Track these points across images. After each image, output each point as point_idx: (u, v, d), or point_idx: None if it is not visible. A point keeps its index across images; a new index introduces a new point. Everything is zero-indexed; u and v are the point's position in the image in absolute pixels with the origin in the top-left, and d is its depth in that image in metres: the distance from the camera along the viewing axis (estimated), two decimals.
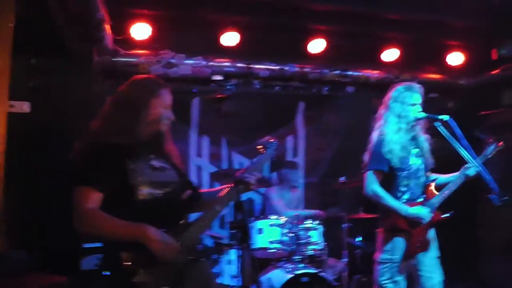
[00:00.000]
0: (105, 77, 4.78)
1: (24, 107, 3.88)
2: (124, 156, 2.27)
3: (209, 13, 4.97)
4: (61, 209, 3.62)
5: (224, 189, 2.52)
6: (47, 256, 3.46)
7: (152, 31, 4.87)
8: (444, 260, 3.68)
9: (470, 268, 6.05)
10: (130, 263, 2.16)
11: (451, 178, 3.61)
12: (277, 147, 2.78)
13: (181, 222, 2.35)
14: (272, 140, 2.75)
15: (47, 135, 3.91)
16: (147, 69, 4.88)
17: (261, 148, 2.66)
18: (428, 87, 5.97)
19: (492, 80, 6.04)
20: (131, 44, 4.85)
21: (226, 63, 5.31)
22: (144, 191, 2.26)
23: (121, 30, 4.73)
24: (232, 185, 2.48)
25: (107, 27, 4.14)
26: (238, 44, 5.19)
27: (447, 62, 5.97)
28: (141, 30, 4.83)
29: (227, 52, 5.25)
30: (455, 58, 5.95)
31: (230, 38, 5.15)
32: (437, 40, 5.79)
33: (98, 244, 3.53)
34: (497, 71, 5.87)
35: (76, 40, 3.90)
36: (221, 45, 5.17)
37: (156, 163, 2.39)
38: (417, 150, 3.61)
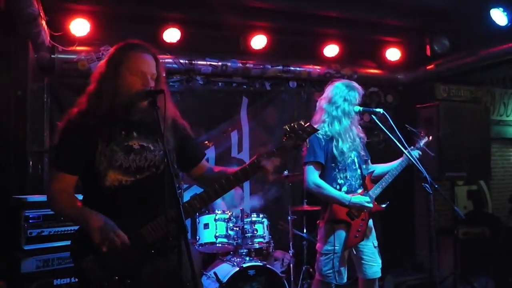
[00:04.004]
0: (42, 73, 4.64)
1: None
2: (96, 138, 2.18)
3: (149, 9, 4.91)
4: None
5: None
6: None
7: (91, 27, 4.76)
8: (385, 247, 3.84)
9: (408, 253, 6.35)
10: (80, 247, 2.18)
11: (390, 167, 3.76)
12: (308, 134, 2.31)
13: (154, 213, 2.19)
14: (301, 125, 2.29)
15: None
16: (86, 66, 4.77)
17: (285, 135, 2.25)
18: (368, 82, 6.27)
19: (427, 75, 6.32)
20: (69, 40, 4.72)
21: (168, 59, 5.26)
22: (112, 178, 2.19)
23: (59, 26, 4.60)
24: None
25: (43, 23, 4.01)
26: (179, 41, 5.17)
27: (385, 58, 6.19)
28: (80, 26, 4.70)
29: (169, 48, 5.20)
30: (393, 54, 6.17)
31: (171, 35, 5.12)
32: (374, 37, 5.99)
33: (40, 245, 3.47)
34: (431, 66, 6.14)
35: (5, 36, 3.75)
36: (163, 41, 5.12)
37: (136, 143, 2.24)
38: (350, 143, 3.74)
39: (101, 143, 2.20)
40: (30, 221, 3.45)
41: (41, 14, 3.77)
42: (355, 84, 3.82)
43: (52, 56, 4.68)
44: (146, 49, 2.31)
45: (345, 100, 3.71)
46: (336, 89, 3.76)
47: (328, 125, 3.68)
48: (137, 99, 2.20)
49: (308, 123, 2.26)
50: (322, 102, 3.81)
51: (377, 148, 4.82)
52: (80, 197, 2.30)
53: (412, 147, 3.76)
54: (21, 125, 3.89)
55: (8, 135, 3.80)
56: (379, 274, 3.74)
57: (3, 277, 3.07)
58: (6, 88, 3.92)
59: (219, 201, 5.16)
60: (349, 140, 3.67)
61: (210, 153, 5.70)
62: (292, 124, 2.23)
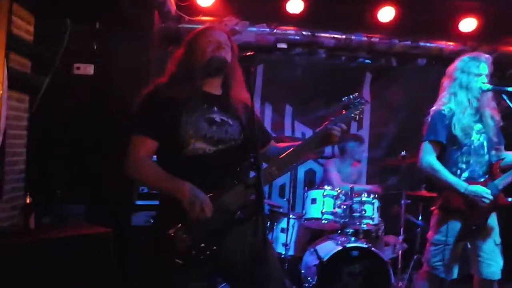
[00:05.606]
0: (167, 43, 4.86)
1: (88, 69, 4.07)
2: (180, 108, 2.28)
3: None
4: (117, 168, 3.85)
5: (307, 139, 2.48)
6: (102, 211, 3.67)
7: None
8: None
9: None
10: (170, 217, 2.21)
11: None
12: (364, 105, 2.58)
13: (234, 181, 2.25)
14: (358, 97, 2.56)
15: (108, 96, 4.07)
16: None
17: (344, 106, 2.52)
18: (510, 61, 5.61)
19: None
20: (195, 10, 4.88)
21: (290, 31, 5.21)
22: (196, 146, 2.26)
23: None
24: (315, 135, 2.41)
25: None
26: (303, 12, 5.06)
27: None
28: None
29: (292, 20, 5.14)
30: None
31: (295, 6, 5.04)
32: None
33: (150, 202, 3.71)
34: None
35: (135, 6, 3.99)
36: (286, 12, 5.07)
37: (217, 116, 2.34)
38: (480, 126, 3.36)
39: (185, 113, 2.28)
40: None
41: None
42: (480, 54, 3.42)
43: (179, 25, 4.88)
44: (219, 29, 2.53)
45: (462, 71, 3.36)
46: (457, 64, 3.42)
47: (448, 102, 3.36)
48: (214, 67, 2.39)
49: (361, 96, 2.57)
50: (445, 80, 3.51)
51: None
52: None
53: None
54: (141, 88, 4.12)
55: (131, 97, 4.05)
56: (498, 276, 3.32)
57: (114, 227, 3.32)
58: (132, 55, 4.16)
59: (334, 172, 5.06)
60: (471, 120, 3.31)
61: None
62: (350, 96, 2.52)
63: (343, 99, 2.52)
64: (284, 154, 2.38)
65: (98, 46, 4.09)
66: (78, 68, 4.08)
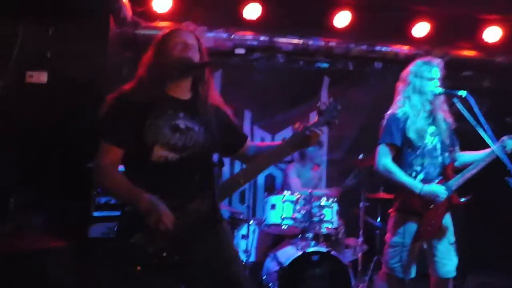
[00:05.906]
0: (124, 48, 4.79)
1: (41, 77, 3.96)
2: (145, 114, 2.23)
3: None
4: (75, 179, 3.76)
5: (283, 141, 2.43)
6: (59, 222, 3.58)
7: (173, 3, 4.83)
8: (471, 244, 3.53)
9: (499, 253, 5.82)
10: (131, 226, 2.19)
11: (477, 156, 3.45)
12: (339, 110, 2.46)
13: (198, 190, 2.21)
14: (334, 103, 2.45)
15: (64, 104, 3.97)
16: None
17: (319, 112, 2.40)
18: (462, 65, 5.79)
19: None
20: (151, 16, 4.83)
21: (248, 36, 5.21)
22: (158, 153, 2.22)
23: (141, 2, 4.72)
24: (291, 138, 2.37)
25: None
26: (261, 17, 5.08)
27: (483, 38, 5.65)
28: (162, 2, 4.80)
29: (250, 25, 5.15)
30: (492, 34, 5.61)
31: (252, 11, 5.05)
32: (472, 14, 5.47)
33: (107, 213, 3.64)
34: None
35: (90, 11, 3.91)
36: (244, 18, 5.08)
37: (182, 122, 2.29)
38: (433, 128, 3.46)
39: (149, 119, 2.23)
40: (99, 190, 3.61)
41: None
42: (432, 58, 3.53)
43: (135, 31, 4.80)
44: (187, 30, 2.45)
45: (415, 76, 3.46)
46: (411, 68, 3.52)
47: (402, 106, 3.45)
48: (178, 71, 2.31)
49: (335, 101, 2.46)
50: (399, 84, 3.60)
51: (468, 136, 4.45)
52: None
53: (505, 137, 3.40)
54: (97, 95, 4.02)
55: (86, 103, 3.95)
56: (453, 274, 3.43)
57: (71, 239, 3.23)
58: (87, 61, 4.07)
59: (294, 177, 5.07)
60: (425, 123, 3.40)
61: (289, 132, 5.63)
62: (325, 102, 2.42)
63: (318, 104, 2.43)
64: (253, 162, 2.38)
65: (52, 52, 3.98)
66: (31, 76, 3.96)
